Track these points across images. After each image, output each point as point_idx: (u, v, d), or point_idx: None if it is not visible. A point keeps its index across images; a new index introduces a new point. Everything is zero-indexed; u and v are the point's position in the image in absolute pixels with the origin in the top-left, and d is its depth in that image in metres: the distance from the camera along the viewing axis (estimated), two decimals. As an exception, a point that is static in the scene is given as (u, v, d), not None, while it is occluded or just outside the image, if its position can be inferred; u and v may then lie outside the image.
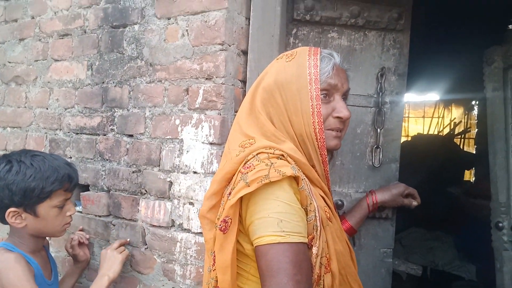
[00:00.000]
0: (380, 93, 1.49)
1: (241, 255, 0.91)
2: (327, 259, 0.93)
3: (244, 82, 1.40)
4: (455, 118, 6.31)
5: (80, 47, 1.67)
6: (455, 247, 4.06)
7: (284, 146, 0.94)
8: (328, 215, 0.98)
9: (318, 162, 1.01)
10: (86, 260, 1.55)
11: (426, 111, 6.87)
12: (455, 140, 5.76)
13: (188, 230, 1.37)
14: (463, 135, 6.01)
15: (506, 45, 1.62)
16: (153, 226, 1.45)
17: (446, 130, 6.18)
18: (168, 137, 1.42)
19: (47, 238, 1.45)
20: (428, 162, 4.82)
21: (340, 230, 1.04)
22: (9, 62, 1.92)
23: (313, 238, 0.88)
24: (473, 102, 5.85)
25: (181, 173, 1.39)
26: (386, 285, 1.57)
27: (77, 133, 1.68)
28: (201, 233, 1.33)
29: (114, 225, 1.55)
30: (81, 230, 1.61)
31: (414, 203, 1.45)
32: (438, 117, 6.66)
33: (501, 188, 1.63)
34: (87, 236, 1.56)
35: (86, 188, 1.65)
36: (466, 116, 6.19)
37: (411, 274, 3.10)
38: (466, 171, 5.59)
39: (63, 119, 1.72)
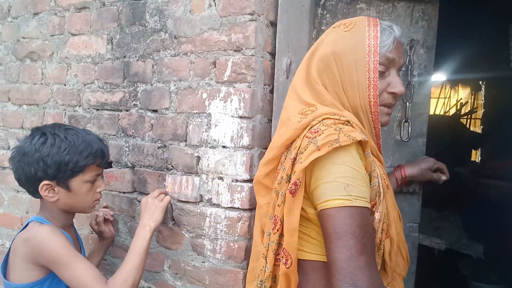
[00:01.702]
0: (409, 66, 1.46)
1: (303, 219, 0.91)
2: (387, 225, 0.95)
3: (272, 54, 1.36)
4: (461, 99, 6.27)
5: (99, 21, 1.62)
6: (462, 227, 4.09)
7: (345, 113, 0.94)
8: (387, 183, 0.99)
9: (371, 135, 1.01)
10: (112, 237, 1.54)
11: (432, 91, 6.82)
12: (461, 120, 5.74)
13: (218, 205, 1.35)
14: (469, 116, 5.99)
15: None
16: (181, 201, 1.43)
17: (453, 111, 6.16)
18: (194, 111, 1.40)
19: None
20: (435, 142, 4.82)
21: (394, 199, 1.07)
22: (23, 38, 1.87)
23: (375, 204, 0.90)
24: (481, 82, 5.81)
25: (209, 147, 1.37)
26: (412, 259, 1.57)
27: (98, 109, 1.65)
28: (231, 207, 1.33)
29: (139, 201, 1.53)
30: (105, 207, 1.59)
31: (443, 177, 1.44)
32: (445, 98, 6.61)
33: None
34: (112, 213, 1.55)
35: (109, 165, 1.63)
36: (473, 97, 6.15)
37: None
38: (472, 151, 5.59)
39: (82, 95, 1.69)
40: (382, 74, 0.99)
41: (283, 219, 0.91)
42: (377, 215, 0.90)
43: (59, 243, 1.15)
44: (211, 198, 1.37)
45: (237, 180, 1.32)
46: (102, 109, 1.64)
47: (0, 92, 1.99)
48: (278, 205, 0.92)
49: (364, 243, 0.80)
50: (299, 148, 0.90)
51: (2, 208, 2.01)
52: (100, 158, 1.27)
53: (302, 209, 0.90)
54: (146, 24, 1.50)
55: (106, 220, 1.53)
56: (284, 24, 1.33)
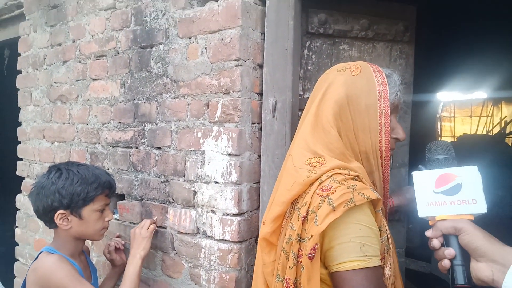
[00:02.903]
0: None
1: None
2: (394, 277, 0.94)
3: (261, 94, 1.46)
4: (505, 117, 5.95)
5: (113, 67, 1.81)
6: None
7: (353, 165, 0.94)
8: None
9: (378, 180, 1.02)
10: (123, 264, 1.66)
11: (473, 110, 6.53)
12: (506, 139, 5.44)
13: (211, 237, 1.44)
14: (515, 134, 5.65)
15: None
16: (180, 233, 1.54)
17: (496, 130, 5.85)
18: (191, 149, 1.51)
19: (87, 245, 1.59)
20: (475, 164, 4.59)
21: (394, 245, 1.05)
22: (55, 83, 2.12)
23: (383, 258, 0.89)
24: (526, 99, 5.49)
25: (204, 183, 1.47)
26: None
27: (113, 146, 1.82)
28: (223, 240, 1.41)
29: (146, 231, 1.66)
30: (118, 236, 1.74)
31: None
32: (487, 116, 6.30)
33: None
34: (123, 242, 1.69)
35: (122, 197, 1.78)
36: (518, 114, 5.82)
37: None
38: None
39: (101, 133, 1.88)
40: None
41: (296, 282, 0.89)
42: (387, 271, 0.89)
43: (64, 272, 1.30)
44: (206, 231, 1.46)
45: (227, 214, 1.40)
46: (116, 146, 1.80)
47: (37, 130, 2.24)
48: (289, 267, 0.88)
49: None
50: (309, 205, 0.87)
51: (38, 235, 2.23)
52: (107, 189, 1.44)
53: None
54: (151, 70, 1.65)
55: (117, 249, 1.67)
56: (270, 67, 1.42)
